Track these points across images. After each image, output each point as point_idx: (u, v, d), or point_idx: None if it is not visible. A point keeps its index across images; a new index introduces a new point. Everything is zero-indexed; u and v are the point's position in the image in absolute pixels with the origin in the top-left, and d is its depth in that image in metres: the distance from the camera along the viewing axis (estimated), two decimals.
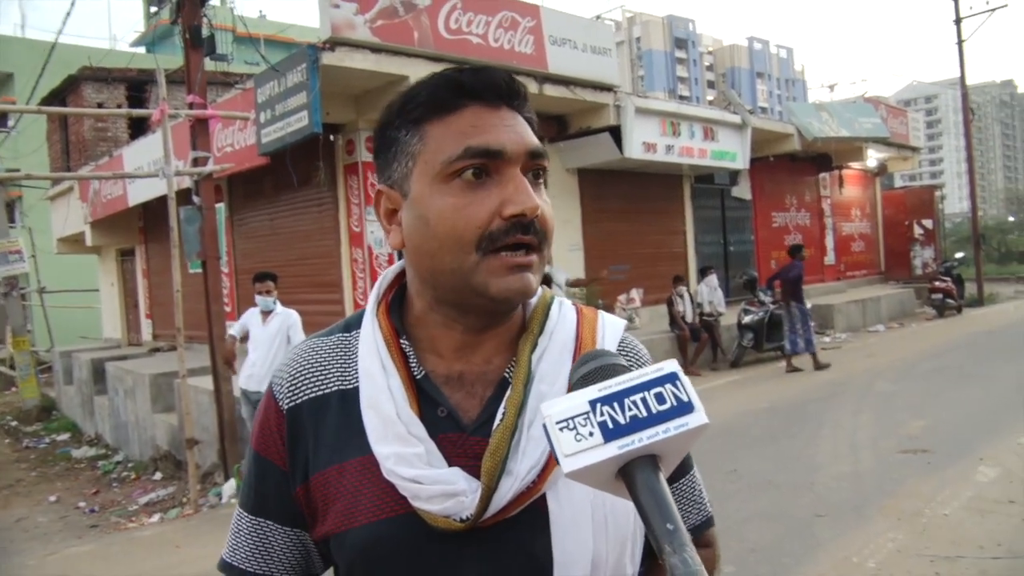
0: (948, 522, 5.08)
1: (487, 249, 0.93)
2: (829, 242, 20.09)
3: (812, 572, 4.48)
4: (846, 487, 5.92)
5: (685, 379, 0.75)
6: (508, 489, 0.91)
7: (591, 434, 0.72)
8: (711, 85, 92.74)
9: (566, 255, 13.04)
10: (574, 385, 0.79)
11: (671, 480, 1.07)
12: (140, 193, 13.37)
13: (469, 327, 1.01)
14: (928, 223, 22.06)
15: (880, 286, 21.17)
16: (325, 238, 11.31)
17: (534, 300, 1.06)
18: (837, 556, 4.66)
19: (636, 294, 13.82)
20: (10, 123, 22.85)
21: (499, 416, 0.95)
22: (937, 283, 17.79)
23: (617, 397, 0.74)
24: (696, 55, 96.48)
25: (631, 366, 0.81)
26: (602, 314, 1.11)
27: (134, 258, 17.69)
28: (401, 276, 1.09)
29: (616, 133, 12.44)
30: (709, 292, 12.70)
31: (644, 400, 0.74)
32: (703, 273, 13.35)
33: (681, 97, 69.63)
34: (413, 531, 0.93)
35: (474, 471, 0.93)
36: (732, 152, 14.61)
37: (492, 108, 0.96)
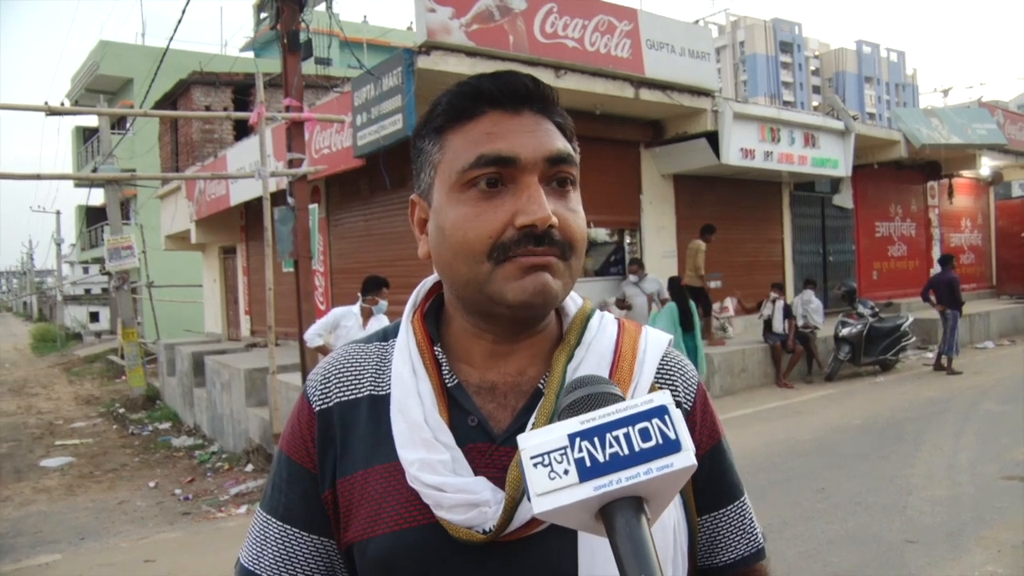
0: None
1: (499, 259, 0.91)
2: (936, 253, 19.23)
3: None
4: (941, 512, 5.62)
5: (676, 413, 0.70)
6: None
7: (566, 472, 0.67)
8: (817, 90, 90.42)
9: (660, 262, 12.87)
10: (560, 414, 0.74)
11: (717, 506, 1.04)
12: (242, 193, 13.82)
13: (499, 336, 0.99)
14: None
15: (991, 301, 20.20)
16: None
17: (573, 311, 1.04)
18: None
19: (730, 303, 13.54)
20: (127, 125, 23.97)
21: (529, 426, 0.93)
22: None
23: (599, 431, 0.69)
24: (802, 59, 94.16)
25: (622, 396, 0.75)
26: (647, 328, 1.06)
27: (235, 256, 18.27)
28: (440, 285, 1.08)
29: (713, 139, 12.22)
30: (803, 306, 12.35)
31: (628, 436, 0.68)
32: (804, 286, 13.01)
33: (785, 102, 68.06)
34: (435, 542, 0.91)
35: (501, 482, 0.90)
36: (834, 159, 14.17)
37: (512, 114, 0.94)
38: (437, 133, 0.96)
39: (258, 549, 1.03)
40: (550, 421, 0.91)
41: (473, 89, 0.94)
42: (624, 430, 0.68)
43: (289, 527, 1.01)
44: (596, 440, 0.68)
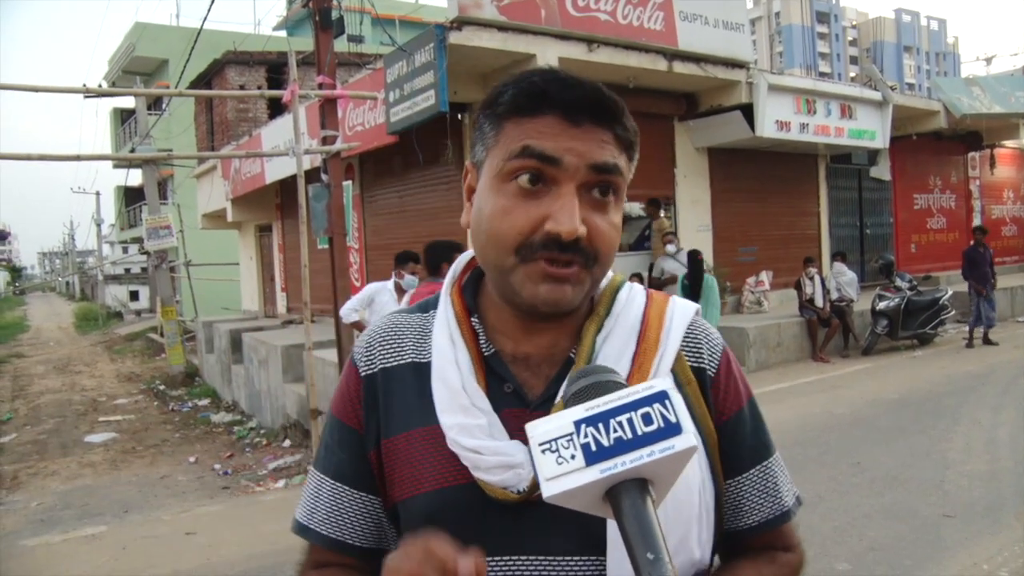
0: None
1: (525, 257, 0.95)
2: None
3: None
4: (980, 487, 5.56)
5: (676, 398, 0.73)
6: None
7: (573, 457, 0.71)
8: (854, 61, 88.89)
9: (694, 235, 12.79)
10: (567, 402, 0.77)
11: (740, 470, 1.06)
12: (276, 171, 13.90)
13: (529, 316, 1.02)
14: None
15: None
16: (452, 216, 11.44)
17: (603, 283, 1.07)
18: (965, 561, 4.39)
19: (765, 277, 13.45)
20: (163, 106, 24.21)
21: (561, 392, 0.96)
22: None
23: (603, 417, 0.72)
24: (839, 29, 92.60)
25: (624, 383, 0.78)
26: (674, 299, 1.10)
27: (271, 234, 18.42)
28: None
29: (748, 111, 12.09)
30: (836, 279, 12.23)
31: (631, 421, 0.71)
32: (833, 259, 12.90)
33: (821, 74, 66.97)
34: (474, 500, 0.96)
35: None
36: (871, 131, 13.96)
37: (570, 122, 0.95)
38: (497, 119, 0.99)
39: (312, 505, 1.09)
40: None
41: (539, 90, 0.96)
42: (627, 415, 0.71)
43: (340, 485, 1.08)
44: (600, 426, 0.71)
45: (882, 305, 11.95)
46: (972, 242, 12.82)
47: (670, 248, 11.14)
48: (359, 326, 7.51)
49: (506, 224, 0.95)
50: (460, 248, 7.58)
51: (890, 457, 6.42)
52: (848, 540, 4.74)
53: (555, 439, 0.71)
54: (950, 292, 12.75)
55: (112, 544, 6.06)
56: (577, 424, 0.72)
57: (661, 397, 0.72)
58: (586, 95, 0.95)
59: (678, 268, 10.88)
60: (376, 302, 7.37)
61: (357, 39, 13.63)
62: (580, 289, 0.97)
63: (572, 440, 0.71)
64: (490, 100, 1.01)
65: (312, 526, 1.08)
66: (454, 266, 1.13)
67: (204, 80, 20.77)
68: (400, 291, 7.26)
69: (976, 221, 18.73)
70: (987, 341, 12.09)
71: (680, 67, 11.19)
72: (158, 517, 6.89)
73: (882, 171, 15.97)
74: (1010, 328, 13.95)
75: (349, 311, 7.57)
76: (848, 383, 9.82)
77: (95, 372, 18.82)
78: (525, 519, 0.96)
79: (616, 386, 0.76)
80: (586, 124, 0.95)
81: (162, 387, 15.52)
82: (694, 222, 13.08)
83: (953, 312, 12.74)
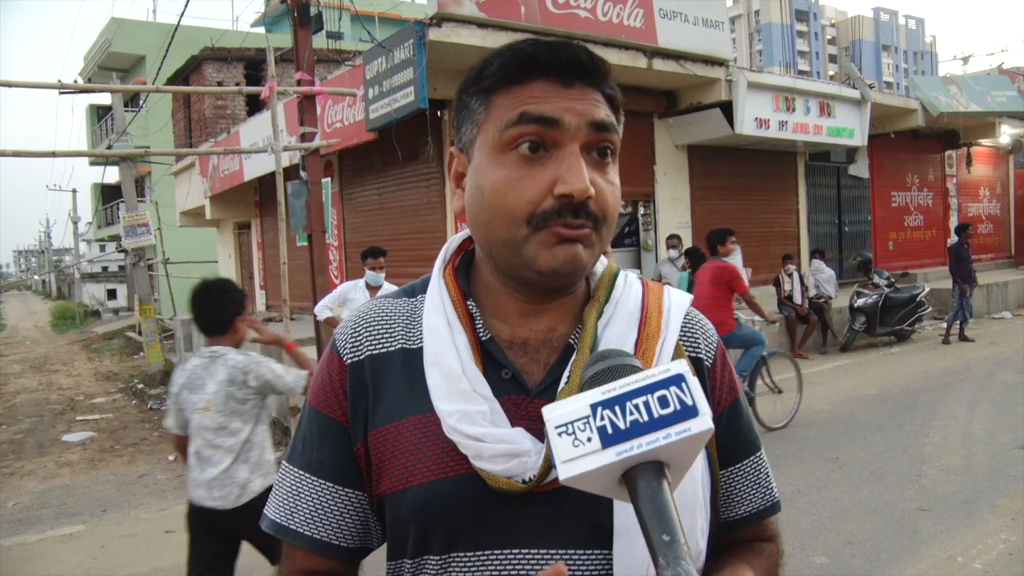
0: None
1: (537, 226, 0.92)
2: (953, 223, 19.14)
3: (911, 569, 4.28)
4: (955, 481, 5.62)
5: (692, 381, 0.72)
6: None
7: (589, 440, 0.70)
8: (833, 59, 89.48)
9: (674, 232, 12.83)
10: (583, 386, 0.77)
11: (733, 461, 1.06)
12: (255, 168, 13.84)
13: (530, 297, 1.00)
14: None
15: (1009, 271, 20.06)
16: (432, 213, 11.44)
17: (600, 270, 1.06)
18: (940, 554, 4.44)
19: (744, 274, 13.47)
20: (141, 102, 24.00)
21: (564, 379, 0.95)
22: None
23: (619, 400, 0.71)
24: (818, 28, 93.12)
25: (641, 367, 0.77)
26: (668, 288, 1.09)
27: (250, 231, 18.34)
28: (469, 241, 1.09)
29: (727, 109, 12.14)
30: (814, 275, 12.30)
31: (647, 404, 0.71)
32: (811, 256, 12.97)
33: (800, 72, 67.33)
34: (472, 492, 0.92)
35: (536, 433, 0.92)
36: (850, 128, 14.06)
37: (562, 84, 0.93)
38: (485, 93, 0.96)
39: (291, 503, 1.03)
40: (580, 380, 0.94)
41: (527, 56, 0.94)
42: (643, 398, 0.71)
43: (322, 481, 1.02)
44: (617, 408, 0.71)
45: (860, 302, 12.04)
46: (958, 239, 12.87)
47: (672, 253, 11.03)
48: (332, 323, 7.47)
49: (513, 195, 0.92)
50: (733, 232, 7.58)
51: (867, 452, 6.47)
52: (826, 534, 4.77)
53: (571, 422, 0.71)
54: (927, 289, 12.88)
55: (90, 543, 6.01)
56: (594, 407, 0.71)
57: (678, 380, 0.72)
58: (575, 55, 0.94)
59: (674, 273, 10.72)
60: (349, 299, 7.34)
61: (336, 35, 13.58)
62: (592, 251, 0.95)
63: (588, 423, 0.71)
64: (474, 76, 0.98)
65: (293, 526, 1.01)
66: (445, 249, 1.09)
67: (182, 76, 20.63)
68: (372, 289, 7.23)
69: (953, 219, 18.93)
70: (963, 338, 12.20)
71: (660, 64, 11.22)
72: (137, 516, 6.82)
73: (860, 169, 16.08)
74: (985, 325, 14.09)
75: (322, 308, 7.54)
76: (826, 379, 9.89)
77: (72, 371, 18.63)
78: (528, 511, 0.92)
79: (632, 369, 0.76)
80: (578, 85, 0.94)
81: (140, 386, 15.36)
82: (673, 219, 13.11)
83: (930, 309, 12.85)
